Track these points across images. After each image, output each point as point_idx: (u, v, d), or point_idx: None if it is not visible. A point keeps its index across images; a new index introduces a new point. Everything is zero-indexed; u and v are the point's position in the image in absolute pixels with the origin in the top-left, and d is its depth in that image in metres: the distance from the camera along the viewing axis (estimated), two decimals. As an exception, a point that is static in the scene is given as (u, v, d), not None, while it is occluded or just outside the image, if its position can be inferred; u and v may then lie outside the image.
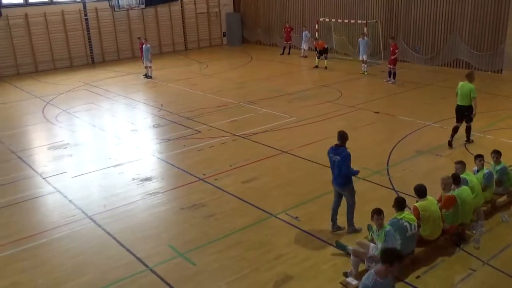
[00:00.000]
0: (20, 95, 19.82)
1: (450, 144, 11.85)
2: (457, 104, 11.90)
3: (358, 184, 8.80)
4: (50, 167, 11.81)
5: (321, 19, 24.45)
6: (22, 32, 24.21)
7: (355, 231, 8.01)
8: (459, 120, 11.90)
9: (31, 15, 24.23)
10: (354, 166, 7.89)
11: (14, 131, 15.07)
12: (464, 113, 11.80)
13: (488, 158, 8.96)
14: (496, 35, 19.31)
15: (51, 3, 24.99)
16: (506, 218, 8.32)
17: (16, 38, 24.05)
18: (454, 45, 20.61)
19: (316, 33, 24.06)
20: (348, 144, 7.90)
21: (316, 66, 22.16)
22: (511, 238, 7.82)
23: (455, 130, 11.90)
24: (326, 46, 22.18)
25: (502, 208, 8.70)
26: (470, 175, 8.32)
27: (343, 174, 7.72)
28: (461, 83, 11.91)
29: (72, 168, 11.72)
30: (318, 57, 22.13)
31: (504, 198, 8.92)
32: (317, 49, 22.17)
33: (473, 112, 11.70)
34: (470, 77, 11.80)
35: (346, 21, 23.55)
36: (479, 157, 8.75)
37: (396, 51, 18.40)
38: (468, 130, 12.01)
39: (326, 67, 21.82)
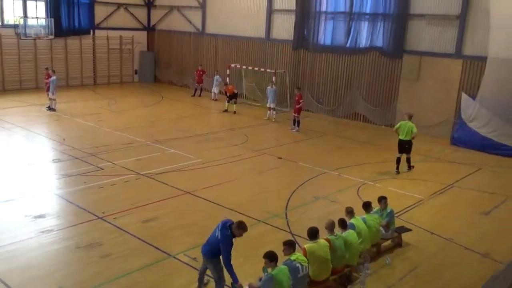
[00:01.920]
0: None
1: (397, 171, 14.66)
2: (400, 139, 14.70)
3: (257, 226, 9.10)
4: None
5: (232, 65, 25.30)
6: None
7: None
8: (400, 152, 14.72)
9: None
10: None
11: None
12: (405, 146, 14.66)
13: (376, 204, 9.74)
14: (389, 93, 21.21)
15: (-51, 24, 23.51)
16: (389, 261, 9.03)
17: None
18: (353, 100, 22.27)
19: (227, 78, 24.81)
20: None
21: (226, 110, 22.74)
22: (393, 279, 8.49)
23: (398, 160, 14.69)
24: (235, 91, 22.94)
25: (387, 252, 9.45)
26: (358, 220, 8.97)
27: (215, 251, 7.12)
28: (401, 122, 14.84)
29: (-43, 201, 10.88)
30: (228, 102, 22.76)
31: (389, 242, 9.70)
32: (227, 94, 22.84)
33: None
34: (410, 118, 14.73)
35: (256, 68, 24.58)
36: (383, 199, 9.70)
37: (300, 101, 19.49)
38: (408, 160, 14.90)
39: (235, 111, 22.47)
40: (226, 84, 23.81)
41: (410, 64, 20.32)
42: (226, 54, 27.15)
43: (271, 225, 10.37)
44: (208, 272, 7.56)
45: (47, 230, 9.67)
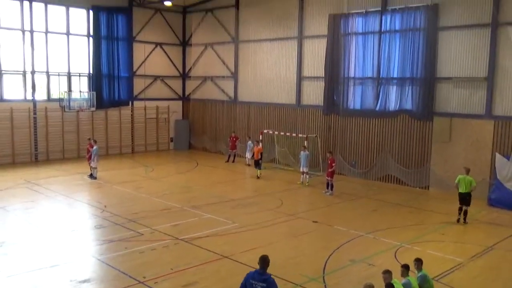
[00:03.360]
0: (-45, 190, 19.23)
1: (458, 221, 15.87)
2: (460, 192, 15.89)
3: (295, 290, 9.19)
4: (-17, 266, 11.41)
5: (265, 131, 26.02)
6: (-34, 126, 24.07)
7: None
8: (461, 203, 15.88)
9: (-21, 110, 24.31)
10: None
11: None
12: (466, 198, 15.79)
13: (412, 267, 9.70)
14: (422, 154, 21.29)
15: (1, 100, 25.22)
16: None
17: (-41, 132, 23.83)
18: (386, 162, 22.40)
19: (260, 143, 25.47)
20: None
21: (258, 177, 23.04)
22: None
23: (460, 209, 15.90)
24: (260, 157, 23.30)
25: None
26: (397, 283, 8.94)
27: None
28: (460, 176, 16.08)
29: (7, 268, 11.37)
30: (259, 167, 23.15)
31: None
32: (254, 158, 23.29)
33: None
34: (468, 172, 16.06)
35: (288, 134, 25.19)
36: (416, 261, 9.66)
37: (333, 165, 19.78)
38: (466, 212, 15.87)
39: (258, 176, 22.89)
40: (258, 141, 24.54)
41: (441, 126, 20.52)
42: (258, 121, 28.01)
43: (309, 289, 10.41)
44: None
45: (91, 295, 9.98)
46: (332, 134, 24.42)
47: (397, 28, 21.81)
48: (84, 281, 10.64)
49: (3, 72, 25.22)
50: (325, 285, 10.70)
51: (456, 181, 16.21)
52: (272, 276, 7.45)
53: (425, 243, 13.85)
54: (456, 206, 16.15)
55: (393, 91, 22.20)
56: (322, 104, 24.60)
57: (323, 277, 11.18)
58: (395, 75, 22.03)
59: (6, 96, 25.46)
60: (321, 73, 24.55)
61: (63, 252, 12.57)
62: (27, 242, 13.37)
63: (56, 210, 16.91)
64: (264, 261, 7.45)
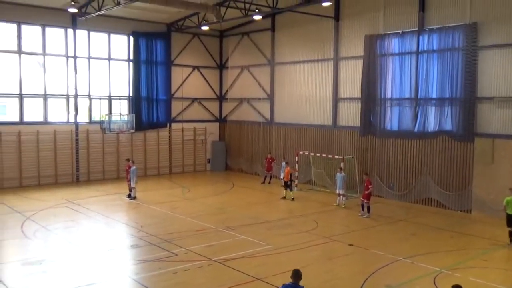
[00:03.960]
0: (1, 209, 19.94)
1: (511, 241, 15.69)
2: (508, 213, 15.71)
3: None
4: (23, 284, 11.72)
5: (301, 152, 25.91)
6: (13, 148, 25.04)
7: None
8: (508, 226, 15.70)
9: (24, 132, 25.29)
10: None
11: (-9, 245, 15.06)
12: None
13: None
14: (463, 176, 20.61)
15: (45, 122, 26.23)
16: None
17: (6, 153, 24.81)
18: (425, 184, 21.80)
19: (296, 164, 25.35)
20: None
21: (292, 199, 22.86)
22: None
23: (510, 234, 15.68)
24: (290, 178, 23.02)
25: None
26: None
27: None
28: (507, 198, 15.85)
29: (45, 285, 11.65)
30: (290, 189, 22.95)
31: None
32: (284, 179, 23.15)
33: None
34: None
35: (324, 155, 24.98)
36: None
37: (369, 186, 19.43)
38: (510, 234, 15.69)
39: (293, 198, 22.68)
40: (287, 162, 24.47)
41: (483, 147, 19.87)
42: (294, 142, 27.95)
43: (343, 314, 10.14)
44: None
45: (125, 315, 10.06)
46: (369, 155, 24.06)
47: (435, 48, 21.43)
48: (119, 301, 10.76)
49: (47, 96, 26.27)
50: (360, 311, 10.41)
51: (504, 203, 15.84)
52: None
53: (466, 269, 13.30)
54: (500, 231, 15.54)
55: (432, 111, 21.72)
56: (359, 125, 24.34)
57: (358, 302, 10.89)
58: (434, 96, 21.58)
59: (50, 118, 26.46)
60: (358, 94, 24.35)
61: (100, 271, 12.79)
62: (66, 260, 13.69)
63: (94, 230, 17.29)
64: (297, 274, 7.89)
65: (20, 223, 17.58)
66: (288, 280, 11.67)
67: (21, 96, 25.45)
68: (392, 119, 23.26)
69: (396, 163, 23.01)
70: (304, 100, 27.55)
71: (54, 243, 15.44)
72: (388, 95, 23.11)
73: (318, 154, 25.35)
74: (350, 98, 25.10)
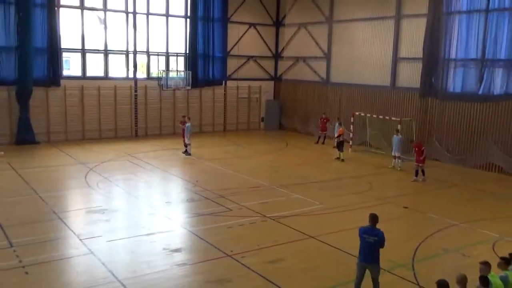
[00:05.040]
0: (66, 160, 21.02)
1: None
2: None
3: (382, 276, 8.97)
4: (87, 230, 12.43)
5: (357, 113, 25.41)
6: (76, 102, 26.06)
7: None
8: None
9: (87, 87, 26.20)
10: (380, 257, 8.22)
11: (58, 193, 15.97)
12: None
13: None
14: (529, 142, 19.62)
15: (106, 78, 27.02)
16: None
17: (70, 107, 25.87)
18: (487, 149, 20.93)
19: (351, 125, 24.93)
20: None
21: (342, 160, 22.59)
22: None
23: None
24: (341, 139, 22.77)
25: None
26: (494, 277, 8.36)
27: (377, 255, 8.55)
28: None
29: (108, 232, 12.30)
30: (341, 150, 22.72)
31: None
32: (336, 140, 23.03)
33: None
34: None
35: (381, 116, 24.36)
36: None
37: (422, 149, 18.80)
38: None
39: (343, 159, 22.47)
40: (340, 123, 24.17)
41: (554, 112, 18.73)
42: (350, 102, 27.41)
43: (396, 275, 10.11)
44: None
45: (181, 264, 10.51)
46: (428, 118, 23.25)
47: (506, 6, 20.05)
48: (176, 250, 11.22)
49: (108, 51, 26.94)
50: (414, 272, 10.34)
51: None
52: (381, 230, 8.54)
53: (528, 237, 12.85)
54: None
55: (499, 73, 20.57)
56: (419, 87, 23.45)
57: (412, 264, 10.80)
58: (502, 57, 20.36)
59: (111, 74, 27.22)
60: (419, 54, 23.34)
61: (158, 222, 13.34)
62: (126, 211, 14.37)
63: (152, 183, 17.94)
64: (374, 218, 8.67)
65: (84, 174, 18.48)
66: (340, 238, 11.74)
67: (83, 52, 26.24)
68: (455, 81, 22.25)
69: (456, 126, 22.14)
70: (361, 59, 26.75)
71: (115, 194, 16.18)
72: (452, 56, 22.01)
73: (374, 116, 24.77)
74: (411, 58, 24.12)
